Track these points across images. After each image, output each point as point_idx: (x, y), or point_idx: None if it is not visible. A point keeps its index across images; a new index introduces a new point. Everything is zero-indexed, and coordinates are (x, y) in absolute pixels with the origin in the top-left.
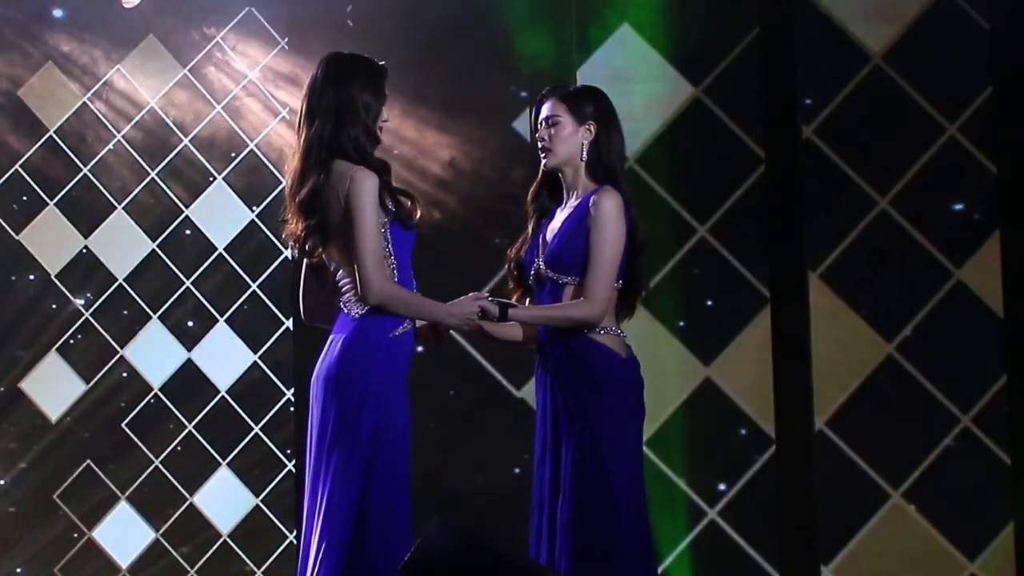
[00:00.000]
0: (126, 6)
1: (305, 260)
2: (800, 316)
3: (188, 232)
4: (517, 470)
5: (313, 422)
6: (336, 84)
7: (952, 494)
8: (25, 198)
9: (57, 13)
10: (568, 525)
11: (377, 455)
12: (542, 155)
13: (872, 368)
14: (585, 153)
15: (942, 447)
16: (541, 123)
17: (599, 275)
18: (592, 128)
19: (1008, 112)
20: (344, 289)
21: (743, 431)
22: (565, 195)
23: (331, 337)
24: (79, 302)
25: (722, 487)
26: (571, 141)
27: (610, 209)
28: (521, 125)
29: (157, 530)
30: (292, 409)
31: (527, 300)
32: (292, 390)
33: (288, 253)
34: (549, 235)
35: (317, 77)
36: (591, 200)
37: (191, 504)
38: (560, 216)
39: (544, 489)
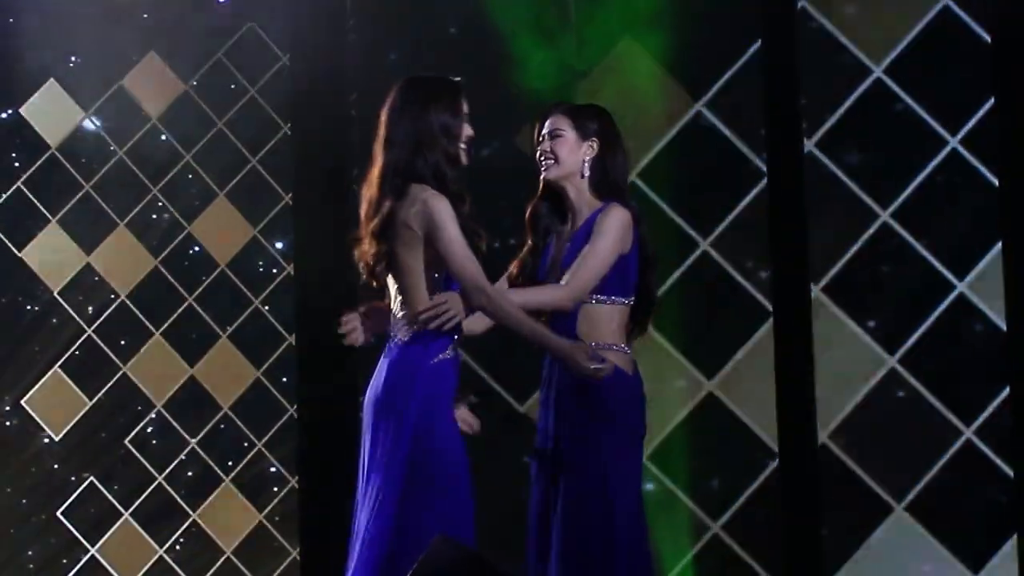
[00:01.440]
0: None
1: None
2: (803, 329)
3: (190, 249)
4: (520, 486)
5: (364, 447)
6: (412, 110)
7: (956, 506)
8: (27, 215)
9: (59, 31)
10: (568, 544)
11: (418, 479)
12: (543, 167)
13: (875, 381)
14: (587, 169)
15: (945, 459)
16: (543, 136)
17: (583, 271)
18: (595, 145)
19: (1010, 124)
20: (396, 314)
21: (746, 445)
22: (570, 215)
23: (380, 362)
24: (81, 319)
25: (725, 501)
26: (573, 154)
27: (613, 221)
28: (522, 141)
29: (160, 547)
30: (295, 425)
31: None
32: (295, 406)
33: (289, 270)
34: (559, 255)
35: (394, 104)
36: (597, 218)
37: (194, 521)
38: (567, 235)
39: (540, 505)
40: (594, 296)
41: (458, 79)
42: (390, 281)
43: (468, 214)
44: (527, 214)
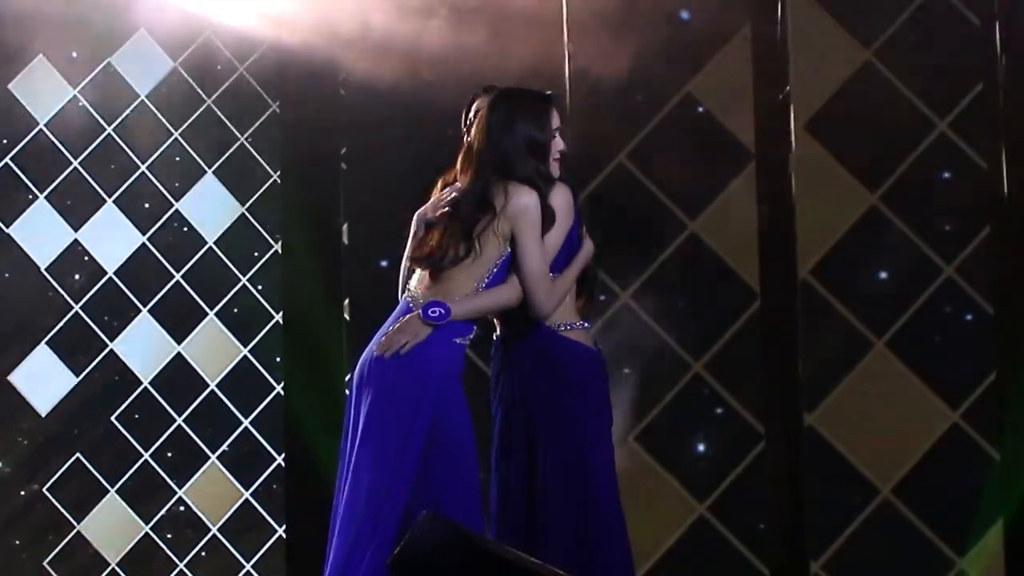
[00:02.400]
0: None
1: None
2: (788, 311)
3: (178, 226)
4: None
5: (360, 410)
6: (501, 126)
7: (941, 490)
8: (15, 191)
9: (48, 7)
10: (553, 523)
11: (435, 455)
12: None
13: (862, 364)
14: None
15: (931, 443)
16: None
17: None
18: None
19: (999, 108)
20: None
21: (731, 426)
22: None
23: (393, 317)
24: (68, 295)
25: (711, 482)
26: None
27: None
28: None
29: (146, 523)
30: (281, 403)
31: None
32: (282, 384)
33: (277, 247)
34: None
35: (487, 120)
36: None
37: (180, 498)
38: None
39: (512, 485)
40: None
41: (549, 92)
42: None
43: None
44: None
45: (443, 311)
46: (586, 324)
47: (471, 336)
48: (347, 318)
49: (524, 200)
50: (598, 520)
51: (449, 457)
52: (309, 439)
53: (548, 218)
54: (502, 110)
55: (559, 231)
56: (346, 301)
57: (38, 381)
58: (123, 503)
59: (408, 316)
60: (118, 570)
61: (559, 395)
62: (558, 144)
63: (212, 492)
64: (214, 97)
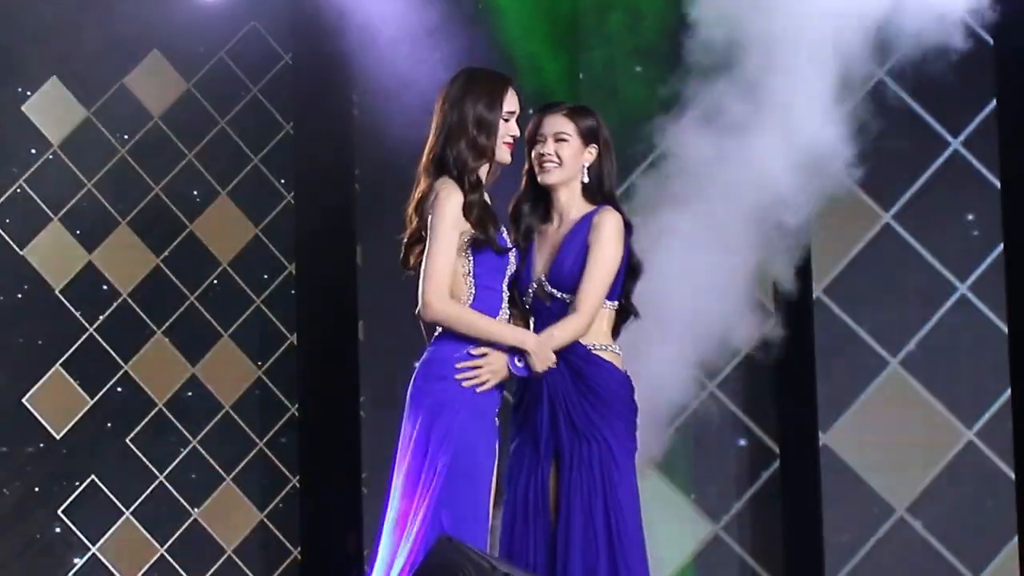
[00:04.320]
0: None
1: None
2: (803, 331)
3: (192, 247)
4: None
5: (400, 438)
6: (452, 101)
7: (957, 508)
8: (30, 213)
9: (62, 28)
10: (579, 540)
11: (442, 476)
12: (542, 169)
13: (876, 382)
14: (586, 175)
15: (946, 462)
16: (545, 137)
17: (592, 289)
18: (594, 150)
19: (1012, 126)
20: None
21: (747, 445)
22: (556, 216)
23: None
24: (83, 317)
25: (726, 501)
26: (576, 160)
27: (612, 229)
28: None
29: (162, 545)
30: (296, 424)
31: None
32: (296, 405)
33: (291, 268)
34: (546, 254)
35: (443, 93)
36: (594, 219)
37: (195, 520)
38: (554, 235)
39: (537, 500)
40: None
41: (507, 76)
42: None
43: (483, 208)
44: (510, 211)
45: (525, 365)
46: (617, 349)
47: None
48: (361, 338)
49: (440, 191)
50: (622, 544)
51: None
52: (324, 460)
53: (473, 215)
54: (458, 83)
55: (615, 254)
56: (360, 322)
57: (53, 403)
58: (138, 525)
59: (497, 355)
60: None
61: (591, 413)
62: (510, 128)
63: (227, 514)
64: (228, 118)
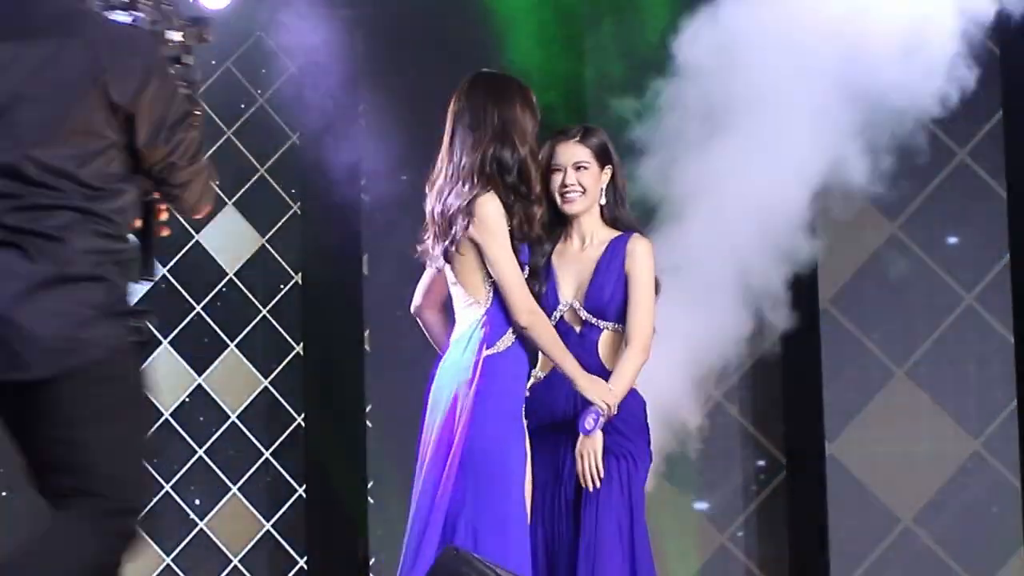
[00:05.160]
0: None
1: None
2: (810, 340)
3: (199, 257)
4: None
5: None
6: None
7: (963, 519)
8: None
9: None
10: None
11: (460, 475)
12: (566, 200)
13: (882, 392)
14: (603, 196)
15: (952, 472)
16: (563, 167)
17: (645, 320)
18: (609, 171)
19: (1018, 136)
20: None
21: (753, 455)
22: (578, 239)
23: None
24: None
25: (733, 511)
26: (596, 184)
27: (650, 257)
28: None
29: (168, 555)
30: (302, 434)
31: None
32: (303, 415)
33: (297, 278)
34: (573, 277)
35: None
36: (628, 247)
37: (201, 529)
38: (580, 258)
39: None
40: (614, 324)
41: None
42: (449, 273)
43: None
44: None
45: (596, 416)
46: None
47: (503, 343)
48: (367, 348)
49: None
50: (642, 561)
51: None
52: (330, 470)
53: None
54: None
55: (652, 281)
56: (366, 331)
57: None
58: (144, 534)
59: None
60: None
61: (618, 430)
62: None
63: (233, 523)
64: (234, 128)
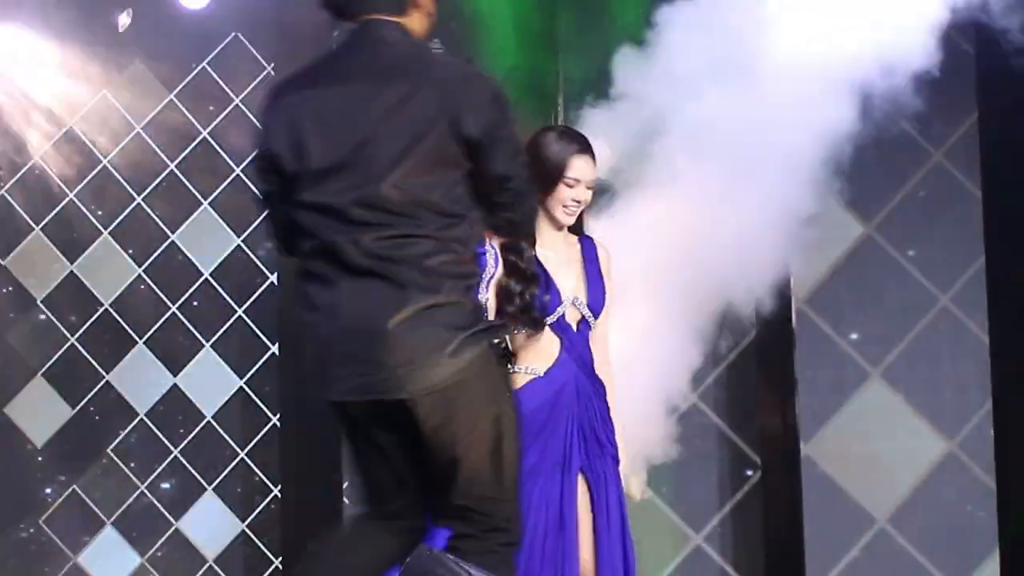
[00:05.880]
0: (120, 29)
1: None
2: (785, 341)
3: (174, 257)
4: None
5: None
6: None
7: (938, 520)
8: (10, 223)
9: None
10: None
11: None
12: (571, 215)
13: (857, 393)
14: None
15: (928, 472)
16: (579, 182)
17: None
18: None
19: (993, 138)
20: None
21: (728, 456)
22: (558, 237)
23: None
24: (64, 327)
25: (708, 512)
26: None
27: (611, 260)
28: None
29: (143, 556)
30: (278, 434)
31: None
32: (278, 415)
33: (273, 279)
34: (569, 275)
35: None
36: (600, 252)
37: (176, 530)
38: (566, 256)
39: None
40: (598, 321)
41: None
42: None
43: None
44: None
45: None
46: None
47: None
48: None
49: None
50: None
51: None
52: (305, 470)
53: None
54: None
55: None
56: None
57: (34, 413)
58: (119, 535)
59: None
60: None
61: (607, 428)
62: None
63: (208, 524)
64: (210, 128)
